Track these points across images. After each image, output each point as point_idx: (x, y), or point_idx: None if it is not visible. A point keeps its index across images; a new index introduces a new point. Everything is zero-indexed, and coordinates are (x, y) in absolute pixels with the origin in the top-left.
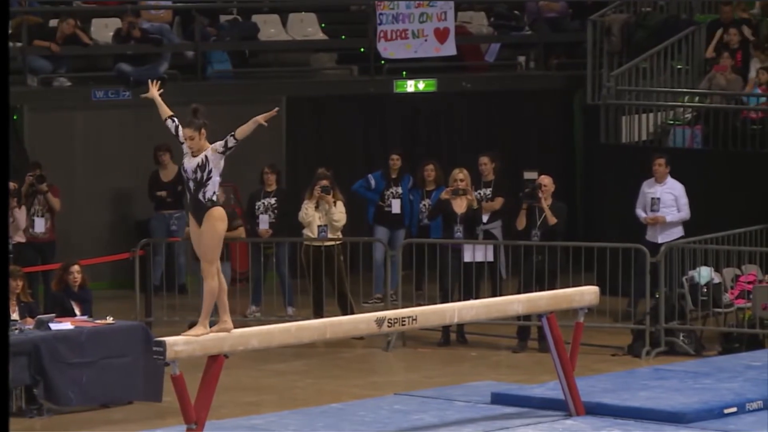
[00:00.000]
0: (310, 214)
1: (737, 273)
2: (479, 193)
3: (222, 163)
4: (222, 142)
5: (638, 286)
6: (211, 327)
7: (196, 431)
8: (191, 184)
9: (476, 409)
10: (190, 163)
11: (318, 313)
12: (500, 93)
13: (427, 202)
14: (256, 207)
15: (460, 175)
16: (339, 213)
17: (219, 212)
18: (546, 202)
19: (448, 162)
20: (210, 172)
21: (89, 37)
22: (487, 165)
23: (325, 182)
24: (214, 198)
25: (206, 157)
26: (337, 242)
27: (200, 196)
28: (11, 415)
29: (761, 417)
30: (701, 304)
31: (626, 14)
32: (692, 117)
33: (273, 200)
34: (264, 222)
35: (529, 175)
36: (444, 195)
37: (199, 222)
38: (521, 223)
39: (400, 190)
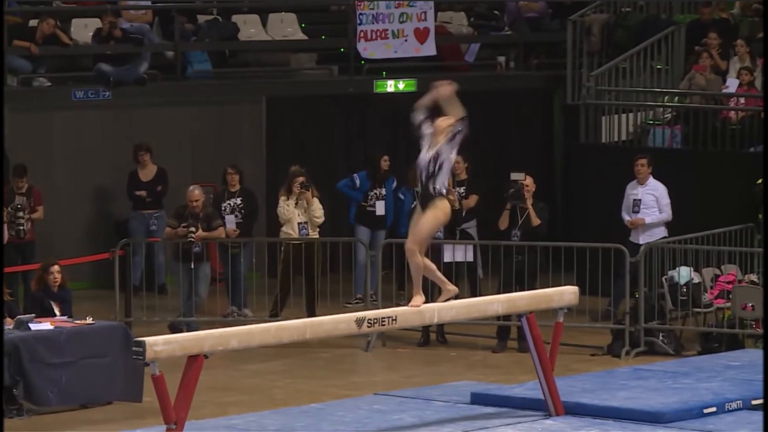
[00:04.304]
0: (290, 210)
1: (717, 273)
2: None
3: (453, 154)
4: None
5: (618, 286)
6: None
7: (176, 431)
8: (423, 175)
9: (456, 409)
10: (425, 155)
11: (311, 312)
12: (480, 93)
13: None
14: (223, 208)
15: None
16: (319, 209)
17: (444, 204)
18: (528, 203)
19: None
20: (441, 164)
21: (69, 37)
22: (459, 164)
23: (302, 179)
24: (443, 191)
25: (438, 150)
26: (317, 239)
27: (430, 186)
28: None
29: (740, 417)
30: (681, 304)
31: (606, 14)
32: (672, 117)
33: (238, 200)
34: (230, 222)
35: (515, 175)
36: None
37: (424, 209)
38: (504, 223)
39: (384, 191)
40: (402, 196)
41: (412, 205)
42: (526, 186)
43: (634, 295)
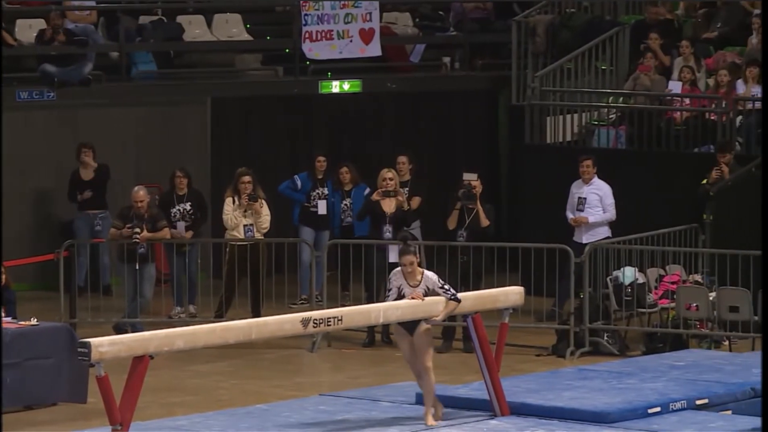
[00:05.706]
0: (237, 221)
1: (661, 273)
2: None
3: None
4: (440, 284)
5: (562, 286)
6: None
7: None
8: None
9: (401, 409)
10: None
11: (256, 312)
12: (425, 94)
13: (348, 201)
14: (172, 215)
15: (389, 174)
16: (265, 217)
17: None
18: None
19: (375, 162)
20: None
21: (13, 38)
22: (404, 165)
23: (250, 191)
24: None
25: (427, 287)
26: (262, 240)
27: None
28: None
29: (685, 417)
30: (625, 304)
31: (551, 15)
32: (616, 117)
33: (188, 206)
34: (181, 228)
35: (468, 176)
36: (375, 196)
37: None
38: (452, 223)
39: (326, 191)
40: (332, 200)
41: (342, 205)
42: (474, 187)
43: (579, 296)
